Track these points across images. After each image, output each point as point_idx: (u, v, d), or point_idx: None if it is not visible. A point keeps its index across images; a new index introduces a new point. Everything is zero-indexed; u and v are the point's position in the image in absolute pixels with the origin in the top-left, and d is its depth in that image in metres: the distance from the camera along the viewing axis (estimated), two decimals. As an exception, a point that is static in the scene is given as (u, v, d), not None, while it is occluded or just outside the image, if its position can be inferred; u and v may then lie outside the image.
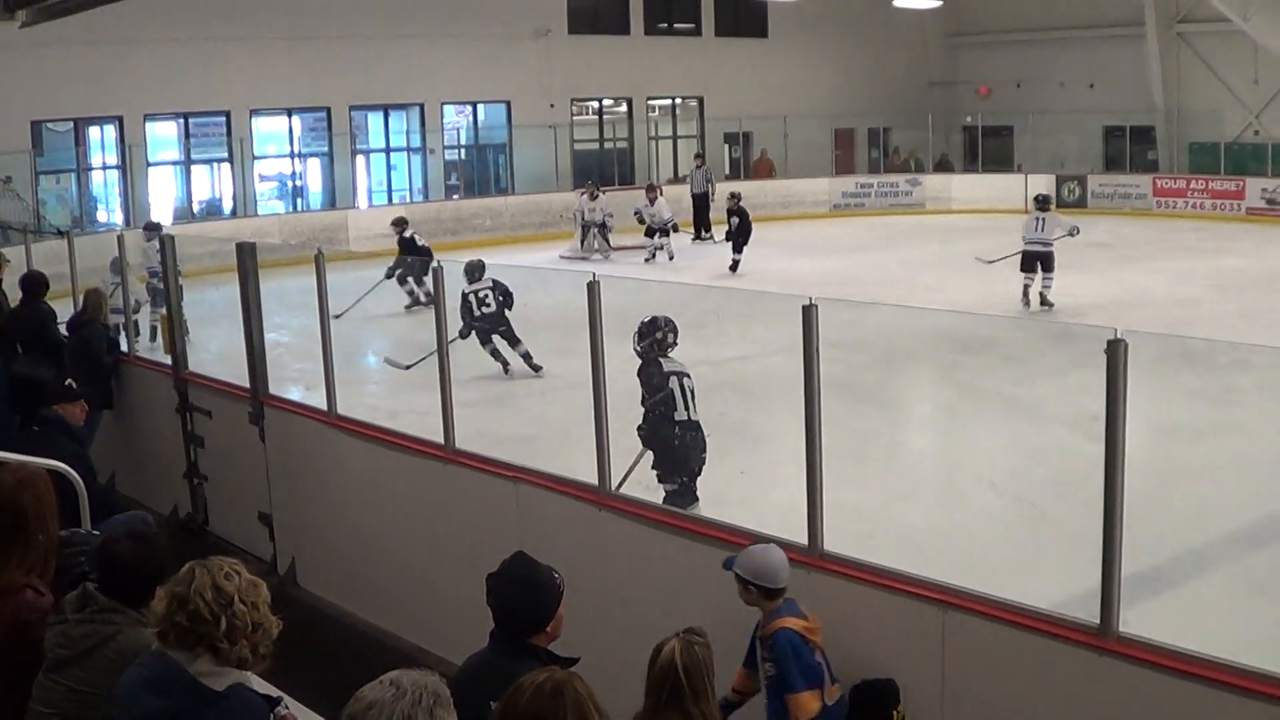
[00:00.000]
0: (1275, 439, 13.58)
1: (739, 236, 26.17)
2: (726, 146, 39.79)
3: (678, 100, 39.49)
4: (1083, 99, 39.14)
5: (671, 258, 27.83)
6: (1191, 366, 16.25)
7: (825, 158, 39.50)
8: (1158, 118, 39.00)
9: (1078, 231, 21.92)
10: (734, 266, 25.84)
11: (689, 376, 9.53)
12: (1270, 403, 14.96)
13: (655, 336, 9.52)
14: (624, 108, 38.37)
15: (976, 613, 6.06)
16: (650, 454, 9.30)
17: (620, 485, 8.04)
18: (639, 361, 9.66)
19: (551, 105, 35.41)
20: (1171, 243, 30.82)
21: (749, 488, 10.59)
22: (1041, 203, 22.34)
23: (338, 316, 15.53)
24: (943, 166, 41.09)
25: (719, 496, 9.73)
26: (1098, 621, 5.74)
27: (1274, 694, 5.22)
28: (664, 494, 9.22)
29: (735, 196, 26.93)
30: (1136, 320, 19.52)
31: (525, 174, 35.13)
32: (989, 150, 40.87)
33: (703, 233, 32.27)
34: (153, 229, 19.90)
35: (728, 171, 39.13)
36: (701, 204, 32.81)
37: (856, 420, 13.64)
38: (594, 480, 8.00)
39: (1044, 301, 21.34)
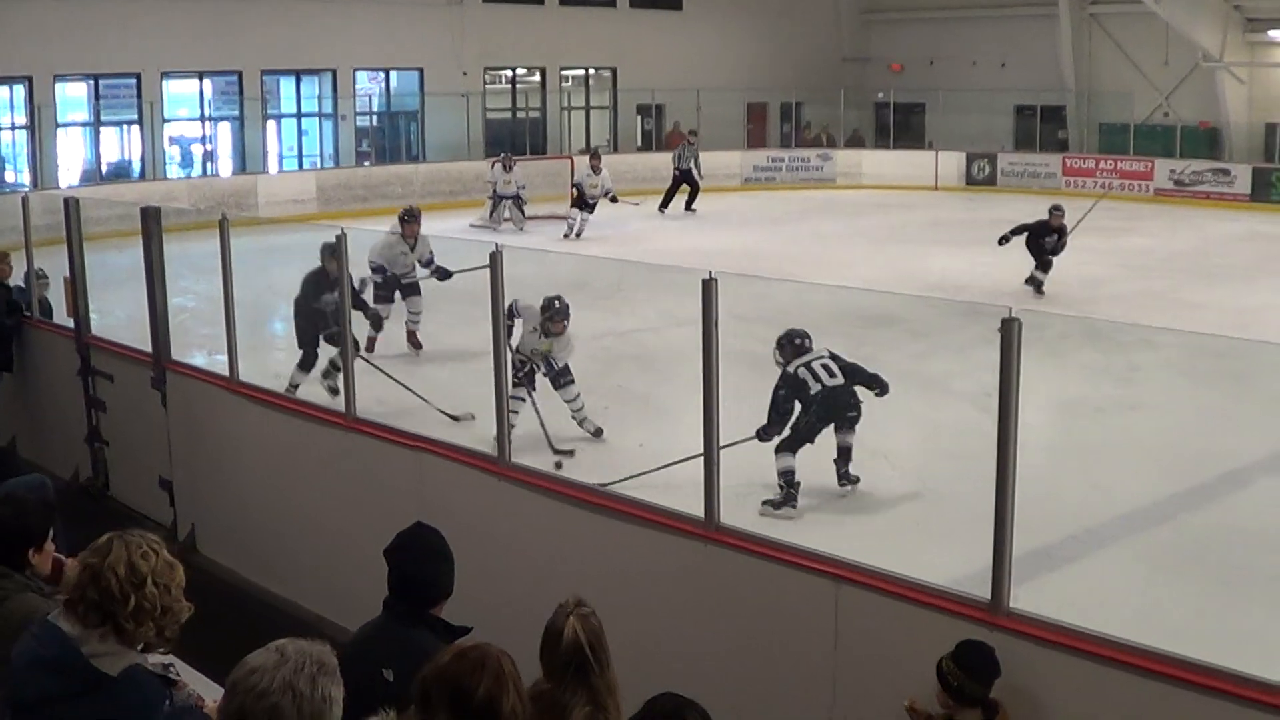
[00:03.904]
0: (1175, 418, 13.79)
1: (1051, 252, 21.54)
2: (639, 119, 39.75)
3: (591, 71, 39.36)
4: (994, 78, 39.50)
5: (579, 235, 27.16)
6: (1095, 345, 16.43)
7: (738, 131, 39.59)
8: (1068, 98, 39.41)
9: None
10: (1039, 287, 21.41)
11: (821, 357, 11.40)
12: (1171, 381, 15.17)
13: (794, 343, 11.56)
14: (537, 77, 38.15)
15: (870, 587, 6.10)
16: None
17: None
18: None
19: (464, 73, 35.09)
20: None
21: (650, 460, 10.61)
22: None
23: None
24: (854, 142, 41.30)
25: (618, 468, 9.75)
26: (989, 597, 5.79)
27: (1160, 670, 5.30)
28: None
29: (1060, 210, 21.73)
30: (1045, 298, 19.77)
31: (437, 142, 34.84)
32: (901, 127, 41.07)
33: (690, 203, 32.25)
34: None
35: (639, 144, 39.14)
36: (687, 179, 32.48)
37: (762, 394, 13.69)
38: (493, 451, 7.99)
39: None
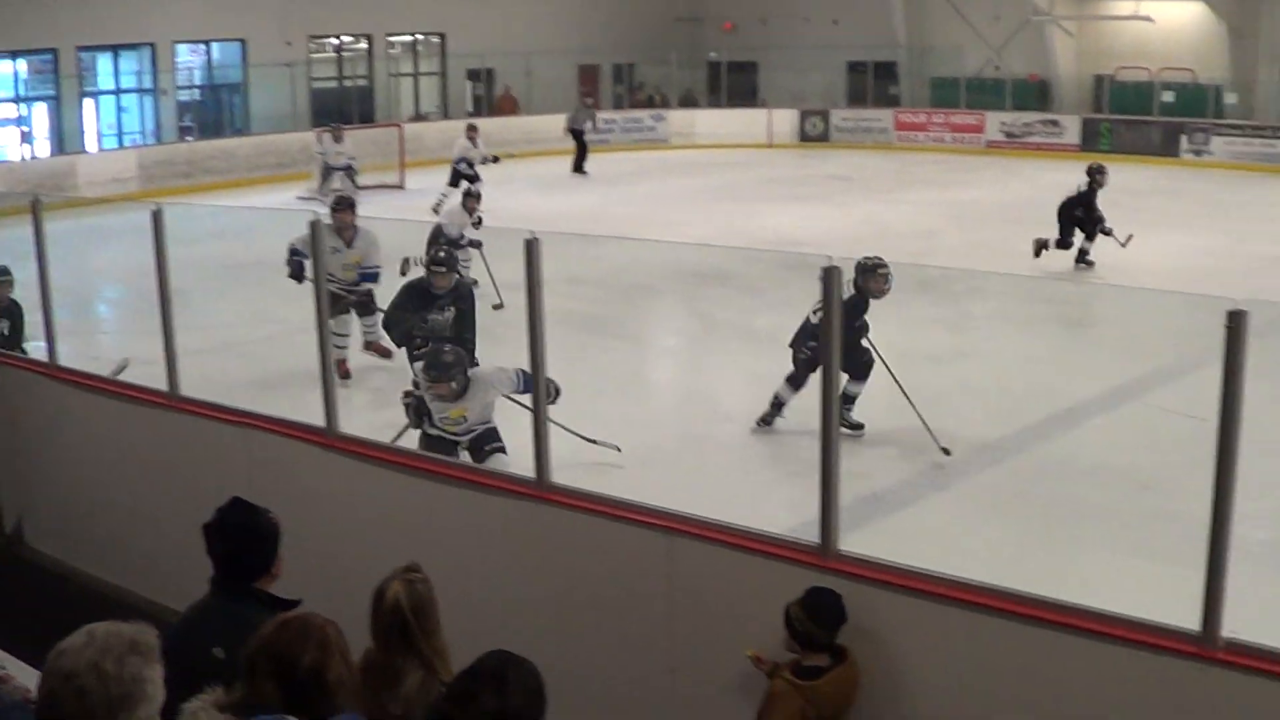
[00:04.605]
0: (1007, 363, 14.01)
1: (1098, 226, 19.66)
2: (469, 84, 39.42)
3: (419, 37, 38.88)
4: (827, 35, 39.75)
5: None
6: (928, 294, 16.63)
7: (570, 94, 39.33)
8: (900, 53, 39.90)
9: None
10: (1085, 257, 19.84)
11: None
12: (1003, 328, 15.42)
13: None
14: (364, 45, 37.55)
15: (701, 538, 6.11)
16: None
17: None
18: None
19: (289, 43, 34.43)
20: (912, 176, 31.55)
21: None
22: None
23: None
24: (688, 102, 41.40)
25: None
26: (819, 541, 5.82)
27: (991, 604, 5.38)
28: None
29: (1100, 171, 19.91)
30: (875, 251, 19.81)
31: (262, 114, 34.14)
32: (734, 85, 41.27)
33: (580, 166, 32.77)
34: None
35: (470, 109, 38.82)
36: (580, 139, 33.13)
37: (598, 355, 13.71)
38: (321, 422, 7.86)
39: None
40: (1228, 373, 4.75)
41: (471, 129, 27.78)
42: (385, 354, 13.58)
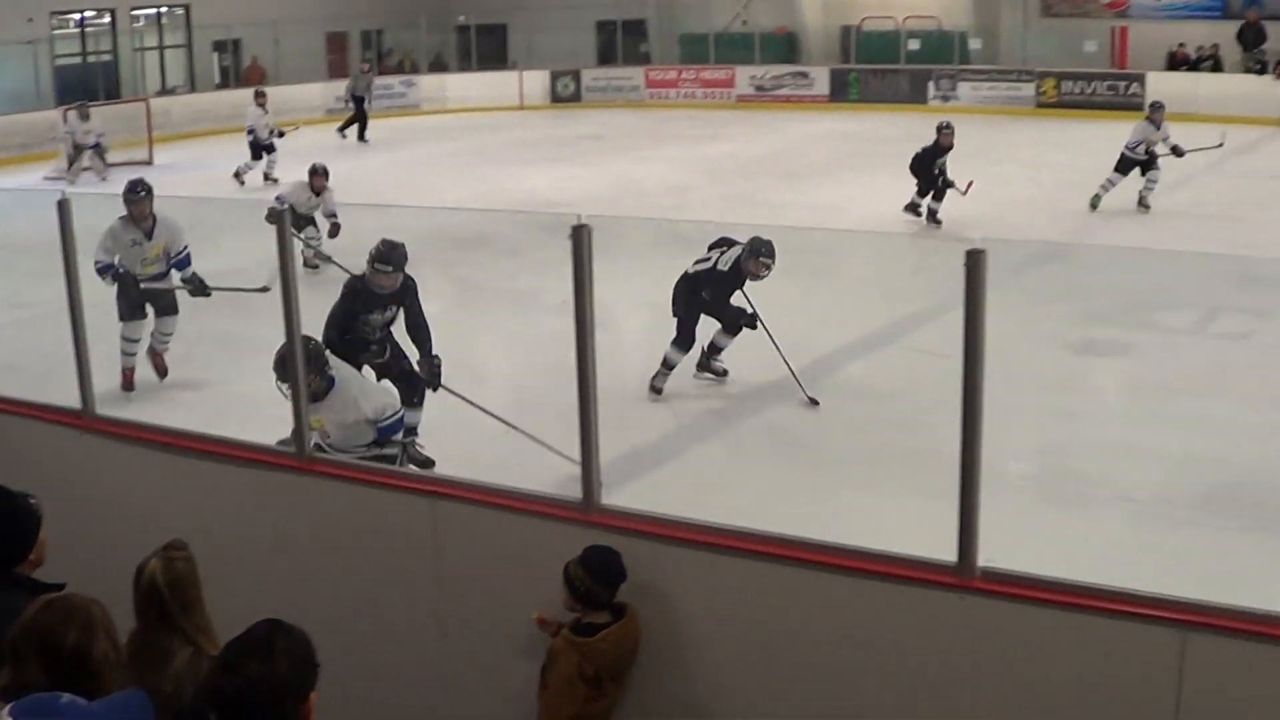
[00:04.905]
0: (761, 313, 14.28)
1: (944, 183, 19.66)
2: (215, 55, 38.61)
3: (164, 10, 37.93)
4: (575, -6, 39.87)
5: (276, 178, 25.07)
6: (681, 248, 16.84)
7: (318, 62, 38.90)
8: (649, 11, 40.17)
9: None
10: (935, 216, 19.86)
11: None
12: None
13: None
14: (107, 20, 36.49)
15: (464, 499, 6.18)
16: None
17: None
18: None
19: (30, 20, 33.27)
20: (664, 132, 31.88)
21: (239, 400, 10.47)
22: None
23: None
24: (437, 67, 41.19)
25: (209, 413, 9.61)
26: (581, 497, 5.93)
27: (752, 548, 5.54)
28: None
29: (946, 128, 19.60)
30: (629, 208, 20.18)
31: (4, 94, 32.76)
32: (483, 48, 41.14)
33: (362, 133, 32.69)
34: None
35: (217, 80, 38.10)
36: (360, 106, 33.13)
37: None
38: (77, 404, 7.74)
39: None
40: (969, 311, 4.94)
41: (259, 95, 27.25)
42: (161, 371, 12.64)
